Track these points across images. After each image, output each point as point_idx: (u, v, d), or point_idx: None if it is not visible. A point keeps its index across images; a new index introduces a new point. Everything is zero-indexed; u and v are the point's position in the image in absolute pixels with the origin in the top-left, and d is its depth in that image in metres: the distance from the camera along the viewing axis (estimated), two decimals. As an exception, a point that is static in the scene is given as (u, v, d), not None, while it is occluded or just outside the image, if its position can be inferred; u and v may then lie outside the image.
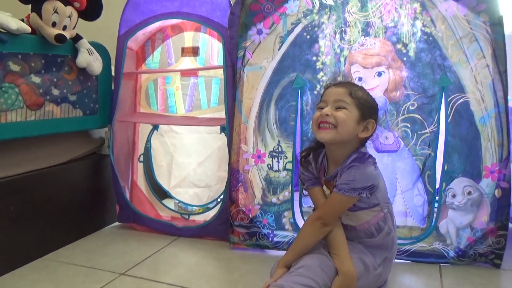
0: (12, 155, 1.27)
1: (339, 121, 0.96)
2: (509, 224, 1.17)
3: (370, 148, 1.06)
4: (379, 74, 1.25)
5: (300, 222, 1.28)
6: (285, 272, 0.97)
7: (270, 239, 1.31)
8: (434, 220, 1.22)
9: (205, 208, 1.59)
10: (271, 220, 1.31)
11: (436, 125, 1.21)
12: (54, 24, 1.26)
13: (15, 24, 1.16)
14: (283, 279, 0.92)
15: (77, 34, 1.36)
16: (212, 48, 1.58)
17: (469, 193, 1.18)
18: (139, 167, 1.66)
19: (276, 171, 1.31)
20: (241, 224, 1.33)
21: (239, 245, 1.35)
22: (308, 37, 1.29)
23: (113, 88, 1.55)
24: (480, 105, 1.17)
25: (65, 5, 1.28)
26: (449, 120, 1.19)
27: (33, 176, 1.29)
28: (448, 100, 1.19)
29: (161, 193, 1.66)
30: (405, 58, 1.23)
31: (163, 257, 1.31)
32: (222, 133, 1.45)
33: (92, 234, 1.51)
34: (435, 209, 1.23)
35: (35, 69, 1.24)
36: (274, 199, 1.31)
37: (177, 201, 1.64)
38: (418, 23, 1.21)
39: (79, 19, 1.35)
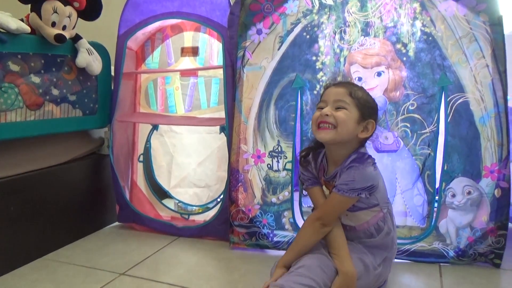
0: (12, 155, 1.27)
1: (339, 121, 0.96)
2: (509, 223, 1.17)
3: (370, 148, 1.06)
4: (379, 74, 1.25)
5: (300, 222, 1.28)
6: (284, 272, 0.97)
7: (270, 239, 1.31)
8: (434, 219, 1.22)
9: (205, 208, 1.59)
10: (271, 220, 1.31)
11: (435, 125, 1.21)
12: (53, 24, 1.26)
13: (14, 24, 1.16)
14: (283, 279, 0.92)
15: (76, 34, 1.36)
16: (211, 48, 1.58)
17: (469, 192, 1.18)
18: (139, 167, 1.66)
19: (276, 171, 1.31)
20: (241, 224, 1.33)
21: (239, 245, 1.35)
22: (308, 37, 1.29)
23: (112, 88, 1.55)
24: (479, 105, 1.17)
25: (65, 5, 1.28)
26: (448, 120, 1.19)
27: (33, 176, 1.29)
28: (448, 100, 1.19)
29: (161, 193, 1.66)
30: (404, 58, 1.23)
31: (163, 257, 1.31)
32: (222, 133, 1.45)
33: (92, 234, 1.51)
34: (435, 209, 1.23)
35: (34, 69, 1.24)
36: (274, 199, 1.31)
37: (177, 201, 1.64)
38: (418, 23, 1.21)
39: (79, 19, 1.35)
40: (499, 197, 1.16)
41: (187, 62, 1.60)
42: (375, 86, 1.25)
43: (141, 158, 1.64)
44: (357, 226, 1.03)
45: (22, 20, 1.25)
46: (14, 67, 1.18)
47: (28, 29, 1.20)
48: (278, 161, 1.31)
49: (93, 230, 1.53)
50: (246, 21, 1.33)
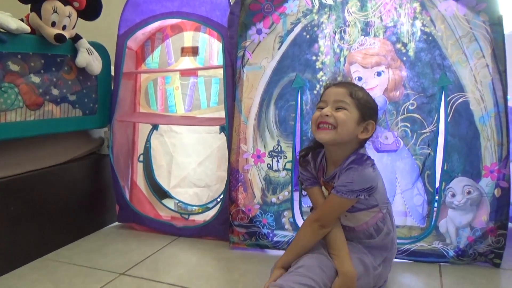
0: (12, 155, 1.27)
1: (339, 121, 0.95)
2: (509, 223, 1.17)
3: (369, 148, 1.06)
4: (379, 73, 1.25)
5: (300, 222, 1.28)
6: (282, 273, 0.97)
7: (269, 238, 1.31)
8: (433, 219, 1.22)
9: (205, 208, 1.59)
10: (271, 219, 1.31)
11: (435, 124, 1.21)
12: (53, 24, 1.26)
13: (14, 23, 1.16)
14: (282, 279, 0.92)
15: (76, 34, 1.35)
16: (211, 47, 1.58)
17: (469, 192, 1.18)
18: (139, 167, 1.66)
19: (275, 170, 1.31)
20: (240, 224, 1.33)
21: (239, 245, 1.35)
22: (308, 36, 1.29)
23: (112, 88, 1.55)
24: (479, 104, 1.17)
25: (65, 5, 1.28)
26: (448, 119, 1.19)
27: (33, 176, 1.29)
28: (448, 99, 1.19)
29: (161, 193, 1.66)
30: (404, 58, 1.23)
31: (163, 257, 1.31)
32: (222, 133, 1.45)
33: (92, 234, 1.51)
34: (435, 209, 1.23)
35: (34, 69, 1.24)
36: (273, 199, 1.31)
37: (177, 201, 1.64)
38: (418, 23, 1.21)
39: (79, 18, 1.35)
40: (499, 197, 1.16)
41: (187, 62, 1.60)
42: (375, 85, 1.26)
43: (141, 158, 1.64)
44: (356, 227, 1.03)
45: (22, 20, 1.24)
46: (14, 67, 1.18)
47: (28, 29, 1.20)
48: (278, 161, 1.31)
49: (93, 230, 1.53)
50: (246, 21, 1.33)
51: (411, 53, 1.22)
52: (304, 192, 1.11)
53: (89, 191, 1.53)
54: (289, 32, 1.30)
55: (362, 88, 1.02)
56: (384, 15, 1.24)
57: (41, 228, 1.31)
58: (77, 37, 1.35)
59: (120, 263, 1.24)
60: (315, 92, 1.28)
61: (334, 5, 1.27)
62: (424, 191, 1.24)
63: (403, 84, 1.23)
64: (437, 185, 1.22)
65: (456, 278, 1.13)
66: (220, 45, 1.45)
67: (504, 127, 1.15)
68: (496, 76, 1.16)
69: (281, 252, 1.06)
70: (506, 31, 1.15)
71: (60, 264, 1.25)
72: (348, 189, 0.95)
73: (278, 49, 1.31)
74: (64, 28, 1.30)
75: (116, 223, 1.62)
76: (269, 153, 1.32)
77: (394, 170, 1.26)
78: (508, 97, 1.17)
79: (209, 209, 1.57)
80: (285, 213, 1.30)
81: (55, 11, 1.25)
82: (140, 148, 1.66)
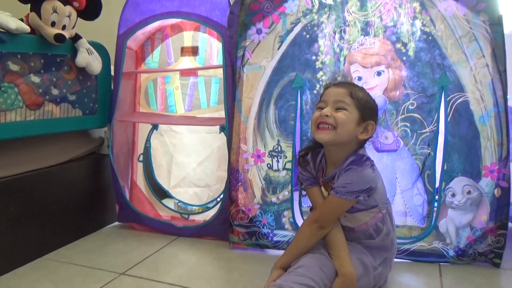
0: (12, 155, 1.27)
1: (339, 122, 0.95)
2: (509, 223, 1.17)
3: (369, 148, 1.06)
4: (379, 73, 1.25)
5: (300, 222, 1.28)
6: (281, 274, 0.96)
7: (269, 238, 1.31)
8: (433, 219, 1.22)
9: (205, 208, 1.59)
10: (271, 219, 1.31)
11: (435, 124, 1.21)
12: (53, 24, 1.26)
13: (14, 23, 1.16)
14: (282, 279, 0.92)
15: (76, 34, 1.35)
16: (211, 47, 1.57)
17: (469, 192, 1.18)
18: (139, 167, 1.66)
19: (275, 170, 1.31)
20: (240, 224, 1.33)
21: (239, 244, 1.35)
22: (308, 36, 1.29)
23: (112, 87, 1.55)
24: (479, 104, 1.17)
25: (64, 5, 1.28)
26: (448, 119, 1.19)
27: (33, 176, 1.29)
28: (448, 99, 1.19)
29: (161, 193, 1.66)
30: (404, 58, 1.23)
31: (163, 257, 1.31)
32: (222, 133, 1.45)
33: (92, 234, 1.51)
34: (435, 209, 1.23)
35: (34, 68, 1.24)
36: (273, 199, 1.31)
37: (177, 201, 1.64)
38: (418, 23, 1.21)
39: (78, 18, 1.35)
40: (499, 197, 1.16)
41: (187, 62, 1.60)
42: (375, 85, 1.25)
43: (141, 158, 1.64)
44: (355, 227, 1.03)
45: (21, 19, 1.24)
46: (14, 67, 1.18)
47: (27, 28, 1.20)
48: (278, 161, 1.31)
49: (93, 230, 1.53)
50: (246, 20, 1.33)
51: (411, 52, 1.22)
52: (303, 192, 1.10)
53: (89, 191, 1.53)
54: (289, 31, 1.30)
55: (362, 88, 1.01)
56: (384, 14, 1.24)
57: (41, 228, 1.31)
58: (77, 37, 1.35)
59: (120, 263, 1.24)
60: (315, 92, 1.28)
61: (334, 5, 1.27)
62: (424, 191, 1.24)
63: (403, 84, 1.23)
64: (437, 185, 1.22)
65: (456, 278, 1.13)
66: (220, 45, 1.44)
67: (504, 127, 1.15)
68: (496, 76, 1.16)
69: (281, 252, 1.06)
70: (506, 31, 1.15)
71: (60, 264, 1.25)
72: (347, 190, 0.94)
73: (278, 48, 1.31)
74: (64, 28, 1.30)
75: (116, 223, 1.62)
76: (269, 153, 1.32)
77: (394, 170, 1.26)
78: (508, 97, 1.17)
79: (209, 209, 1.57)
80: (285, 213, 1.30)
81: (54, 11, 1.25)
82: (140, 148, 1.66)
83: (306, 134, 1.29)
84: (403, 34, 1.23)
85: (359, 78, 1.27)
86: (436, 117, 1.20)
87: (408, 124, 1.23)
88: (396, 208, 1.25)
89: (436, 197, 1.22)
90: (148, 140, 1.63)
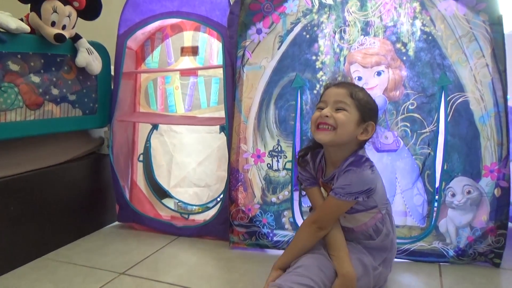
0: (12, 155, 1.27)
1: (339, 122, 0.94)
2: (509, 223, 1.17)
3: (369, 148, 1.06)
4: (379, 73, 1.25)
5: (300, 222, 1.28)
6: (280, 275, 0.96)
7: (269, 238, 1.31)
8: (433, 219, 1.22)
9: (205, 208, 1.59)
10: (271, 219, 1.31)
11: (435, 124, 1.21)
12: (53, 24, 1.26)
13: (14, 23, 1.16)
14: (281, 279, 0.92)
15: (76, 34, 1.35)
16: (211, 47, 1.57)
17: (469, 192, 1.18)
18: (139, 167, 1.66)
19: (275, 170, 1.31)
20: (240, 224, 1.33)
21: (239, 244, 1.35)
22: (308, 36, 1.29)
23: (112, 87, 1.55)
24: (479, 104, 1.17)
25: (65, 5, 1.28)
26: (448, 119, 1.19)
27: (33, 176, 1.29)
28: (448, 99, 1.19)
29: (161, 193, 1.66)
30: (404, 58, 1.23)
31: (162, 257, 1.31)
32: (222, 133, 1.45)
33: (92, 233, 1.51)
34: (435, 209, 1.23)
35: (34, 68, 1.24)
36: (273, 199, 1.31)
37: (177, 201, 1.64)
38: (418, 23, 1.21)
39: (78, 18, 1.35)
40: (499, 197, 1.16)
41: (187, 62, 1.60)
42: (375, 85, 1.25)
43: (141, 158, 1.64)
44: (355, 228, 1.03)
45: (21, 19, 1.24)
46: (14, 67, 1.18)
47: (27, 28, 1.20)
48: (278, 161, 1.31)
49: (93, 230, 1.53)
50: (246, 20, 1.33)
51: (411, 52, 1.22)
52: (303, 192, 1.10)
53: (89, 191, 1.53)
54: (289, 31, 1.30)
55: (362, 89, 1.01)
56: (384, 14, 1.24)
57: (41, 228, 1.31)
58: (77, 37, 1.35)
59: (120, 263, 1.24)
60: (315, 92, 1.28)
61: (334, 5, 1.27)
62: (424, 191, 1.24)
63: (403, 84, 1.23)
64: (437, 184, 1.22)
65: (456, 277, 1.13)
66: (220, 44, 1.44)
67: (504, 126, 1.15)
68: (496, 76, 1.16)
69: (281, 252, 1.06)
70: (506, 30, 1.15)
71: (60, 264, 1.25)
72: (346, 192, 0.94)
73: (278, 48, 1.31)
74: (64, 27, 1.30)
75: (116, 223, 1.62)
76: (269, 153, 1.32)
77: (394, 170, 1.26)
78: (508, 96, 1.17)
79: (209, 208, 1.57)
80: (285, 212, 1.30)
81: (54, 11, 1.25)
82: (140, 148, 1.66)
83: (306, 134, 1.29)
84: (403, 34, 1.23)
85: (359, 78, 1.27)
86: (436, 117, 1.20)
87: (408, 124, 1.23)
88: (396, 208, 1.25)
89: (436, 197, 1.22)
90: (148, 140, 1.63)
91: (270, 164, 1.31)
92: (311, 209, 1.11)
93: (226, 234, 1.36)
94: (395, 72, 1.24)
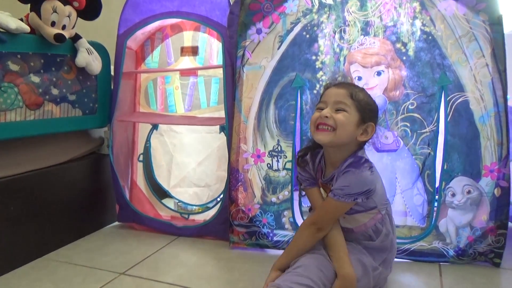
0: (12, 155, 1.27)
1: (338, 123, 0.94)
2: (509, 223, 1.17)
3: (370, 148, 1.06)
4: (379, 73, 1.25)
5: (300, 222, 1.28)
6: (278, 276, 0.96)
7: (269, 238, 1.31)
8: (433, 219, 1.22)
9: (205, 208, 1.59)
10: (271, 219, 1.31)
11: (435, 124, 1.21)
12: (53, 24, 1.26)
13: (14, 23, 1.15)
14: (280, 279, 0.92)
15: (76, 34, 1.35)
16: (211, 47, 1.57)
17: (469, 192, 1.18)
18: (139, 167, 1.66)
19: (275, 170, 1.31)
20: (240, 224, 1.33)
21: (239, 244, 1.35)
22: (308, 36, 1.29)
23: (112, 87, 1.55)
24: (479, 104, 1.17)
25: (64, 5, 1.28)
26: (448, 119, 1.19)
27: (33, 176, 1.29)
28: (448, 99, 1.19)
29: (161, 193, 1.66)
30: (404, 57, 1.23)
31: (163, 257, 1.31)
32: (222, 133, 1.45)
33: (92, 233, 1.51)
34: (435, 208, 1.23)
35: (34, 68, 1.24)
36: (273, 199, 1.31)
37: (177, 201, 1.64)
38: (418, 22, 1.21)
39: (78, 18, 1.35)
40: (499, 196, 1.16)
41: (187, 62, 1.60)
42: (375, 85, 1.25)
43: (141, 158, 1.64)
44: (354, 228, 1.02)
45: (21, 19, 1.24)
46: (13, 67, 1.18)
47: (27, 28, 1.20)
48: (278, 161, 1.31)
49: (93, 230, 1.53)
50: (245, 20, 1.33)
51: (411, 52, 1.22)
52: (303, 192, 1.10)
53: (89, 191, 1.53)
54: (289, 31, 1.30)
55: (363, 89, 1.00)
56: (384, 14, 1.24)
57: (41, 228, 1.31)
58: (76, 37, 1.35)
59: (120, 263, 1.24)
60: (315, 91, 1.28)
61: (334, 5, 1.27)
62: (424, 190, 1.24)
63: (403, 84, 1.23)
64: (437, 184, 1.22)
65: (456, 277, 1.13)
66: (220, 44, 1.44)
67: (504, 126, 1.15)
68: (496, 76, 1.16)
69: (281, 252, 1.06)
70: (506, 30, 1.15)
71: (60, 264, 1.25)
72: (345, 193, 0.94)
73: (278, 48, 1.31)
74: (63, 27, 1.30)
75: (116, 223, 1.62)
76: (269, 153, 1.32)
77: (394, 170, 1.26)
78: (508, 96, 1.17)
79: (209, 208, 1.57)
80: (285, 212, 1.30)
81: (54, 11, 1.25)
82: (140, 148, 1.66)
83: (306, 134, 1.29)
84: (403, 34, 1.23)
85: (359, 78, 1.27)
86: (436, 117, 1.20)
87: (408, 124, 1.23)
88: (396, 208, 1.25)
89: (436, 197, 1.22)
90: (148, 140, 1.63)
91: (270, 164, 1.31)
92: (310, 209, 1.11)
93: (226, 234, 1.36)
94: (395, 72, 1.24)
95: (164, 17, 1.49)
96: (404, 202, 1.27)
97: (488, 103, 1.16)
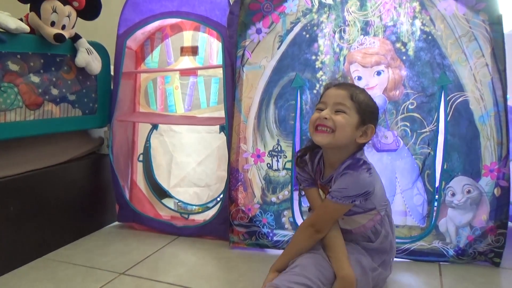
0: (12, 155, 1.27)
1: (338, 125, 0.93)
2: (509, 222, 1.17)
3: (369, 150, 1.05)
4: (379, 73, 1.25)
5: (300, 221, 1.28)
6: (276, 277, 0.95)
7: (269, 238, 1.31)
8: (433, 219, 1.22)
9: (205, 208, 1.59)
10: (271, 219, 1.31)
11: (435, 124, 1.21)
12: (53, 24, 1.26)
13: (13, 23, 1.15)
14: (278, 279, 0.91)
15: (76, 34, 1.35)
16: (211, 47, 1.57)
17: (469, 191, 1.18)
18: (139, 167, 1.66)
19: (275, 170, 1.31)
20: (240, 223, 1.33)
21: (239, 244, 1.35)
22: (307, 36, 1.29)
23: (112, 87, 1.55)
24: (479, 104, 1.17)
25: (64, 5, 1.28)
26: (448, 119, 1.19)
27: (33, 176, 1.29)
28: (448, 99, 1.19)
29: (161, 193, 1.66)
30: (404, 57, 1.23)
31: (162, 257, 1.31)
32: (222, 133, 1.45)
33: (91, 233, 1.51)
34: (435, 208, 1.23)
35: (34, 68, 1.24)
36: (273, 198, 1.31)
37: (177, 201, 1.64)
38: (417, 22, 1.21)
39: (78, 18, 1.35)
40: (498, 196, 1.16)
41: (187, 62, 1.60)
42: (375, 85, 1.25)
43: (141, 158, 1.64)
44: (353, 230, 1.02)
45: (21, 19, 1.24)
46: (13, 67, 1.18)
47: (27, 28, 1.20)
48: (277, 161, 1.31)
49: (93, 229, 1.53)
50: (245, 20, 1.33)
51: (410, 52, 1.22)
52: (303, 192, 1.10)
53: (89, 191, 1.53)
54: (288, 31, 1.30)
55: (363, 91, 0.99)
56: (383, 14, 1.24)
57: (41, 228, 1.31)
58: (76, 37, 1.35)
59: (120, 263, 1.24)
60: (314, 91, 1.28)
61: (334, 5, 1.27)
62: (424, 190, 1.24)
63: (402, 84, 1.23)
64: (437, 184, 1.22)
65: (456, 277, 1.13)
66: (220, 44, 1.44)
67: (504, 126, 1.15)
68: (496, 75, 1.16)
69: (281, 252, 1.06)
70: (505, 30, 1.15)
71: (60, 264, 1.25)
72: (343, 195, 0.93)
73: (278, 48, 1.31)
74: (63, 27, 1.30)
75: (116, 223, 1.62)
76: (269, 153, 1.32)
77: (394, 170, 1.26)
78: (508, 96, 1.17)
79: (209, 208, 1.57)
80: (285, 212, 1.30)
81: (54, 11, 1.25)
82: (140, 148, 1.66)
83: (306, 134, 1.29)
84: (402, 33, 1.23)
85: (359, 78, 1.27)
86: (436, 116, 1.20)
87: (408, 124, 1.23)
88: (396, 208, 1.25)
89: (436, 196, 1.22)
90: (148, 140, 1.63)
91: (270, 164, 1.31)
92: (310, 209, 1.11)
93: (226, 234, 1.36)
94: (395, 71, 1.24)
95: (164, 17, 1.49)
96: (404, 202, 1.27)
97: (488, 103, 1.16)
